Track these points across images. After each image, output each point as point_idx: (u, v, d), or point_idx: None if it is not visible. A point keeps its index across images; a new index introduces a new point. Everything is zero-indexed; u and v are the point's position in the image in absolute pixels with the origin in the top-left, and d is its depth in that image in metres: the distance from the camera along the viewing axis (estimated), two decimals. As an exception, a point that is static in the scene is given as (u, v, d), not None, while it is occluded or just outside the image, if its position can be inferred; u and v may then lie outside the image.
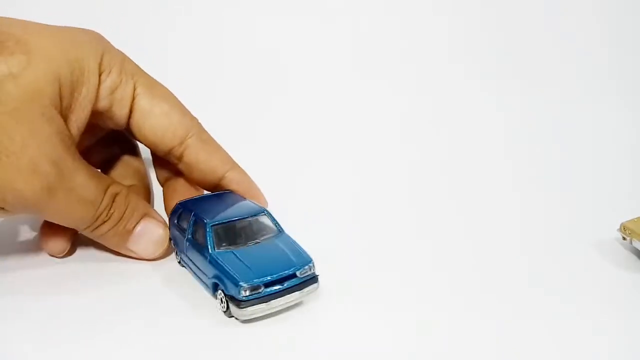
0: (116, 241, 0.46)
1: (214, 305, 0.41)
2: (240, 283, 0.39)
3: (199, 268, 0.43)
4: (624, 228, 0.48)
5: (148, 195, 0.52)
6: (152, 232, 0.46)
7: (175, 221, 0.46)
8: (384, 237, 0.51)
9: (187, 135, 0.47)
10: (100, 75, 0.44)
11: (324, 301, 0.42)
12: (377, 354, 0.37)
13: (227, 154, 0.49)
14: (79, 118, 0.43)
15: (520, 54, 0.76)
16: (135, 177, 0.52)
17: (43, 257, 0.47)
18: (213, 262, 0.41)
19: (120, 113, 0.45)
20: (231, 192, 0.48)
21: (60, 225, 0.44)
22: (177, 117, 0.46)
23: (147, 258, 0.47)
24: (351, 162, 0.64)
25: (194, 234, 0.43)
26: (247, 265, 0.40)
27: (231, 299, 0.39)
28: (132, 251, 0.46)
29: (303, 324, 0.40)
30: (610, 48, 0.76)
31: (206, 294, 0.42)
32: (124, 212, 0.45)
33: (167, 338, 0.39)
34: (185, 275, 0.45)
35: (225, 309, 0.40)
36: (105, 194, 0.44)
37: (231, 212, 0.44)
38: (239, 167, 0.49)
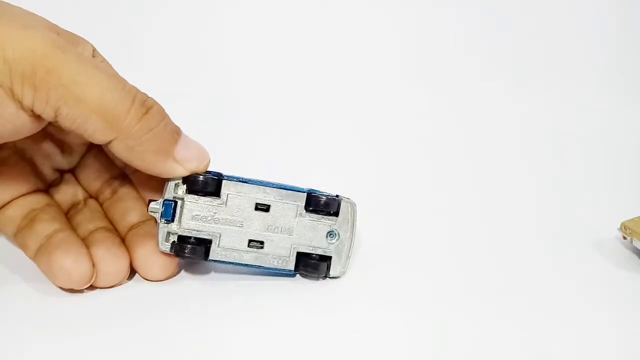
0: (166, 143, 0.38)
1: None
2: None
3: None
4: (624, 227, 0.48)
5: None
6: (195, 142, 0.40)
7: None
8: (390, 234, 0.51)
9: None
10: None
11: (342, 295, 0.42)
12: (394, 351, 0.37)
13: None
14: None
15: (526, 55, 0.75)
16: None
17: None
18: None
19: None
20: None
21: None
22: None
23: (194, 170, 0.40)
24: (364, 158, 0.64)
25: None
26: None
27: None
28: (177, 162, 0.39)
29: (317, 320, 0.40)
30: (610, 47, 0.76)
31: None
32: (161, 123, 0.38)
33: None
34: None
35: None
36: (134, 95, 0.37)
37: None
38: None
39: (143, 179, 0.44)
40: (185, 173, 0.40)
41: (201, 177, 0.40)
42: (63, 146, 0.45)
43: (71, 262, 0.39)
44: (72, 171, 0.46)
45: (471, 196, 0.58)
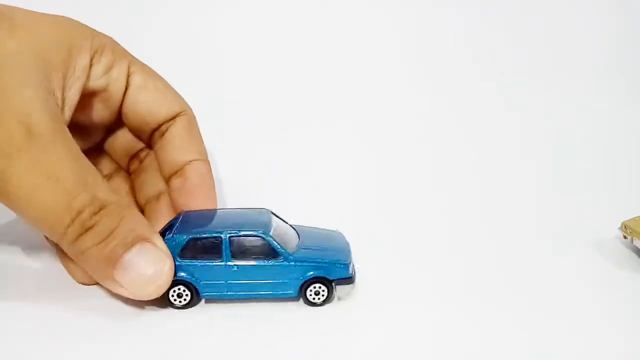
0: (101, 265, 0.37)
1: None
2: (347, 261, 0.41)
3: (266, 282, 0.41)
4: (624, 227, 0.48)
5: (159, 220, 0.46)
6: (149, 263, 0.38)
7: (189, 254, 0.40)
8: (391, 234, 0.51)
9: (181, 112, 0.46)
10: (92, 56, 0.42)
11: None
12: (404, 351, 0.37)
13: (204, 146, 0.47)
14: (69, 98, 0.40)
15: (526, 56, 0.75)
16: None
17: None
18: (300, 261, 0.41)
19: (115, 91, 0.44)
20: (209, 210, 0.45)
21: None
22: (172, 93, 0.46)
23: (136, 297, 0.38)
24: (367, 161, 0.64)
25: (238, 252, 0.40)
26: (329, 251, 0.42)
27: (330, 282, 0.41)
28: (118, 283, 0.37)
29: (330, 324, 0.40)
30: (610, 47, 0.76)
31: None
32: (115, 229, 0.37)
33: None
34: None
35: (324, 298, 0.41)
36: (90, 193, 0.36)
37: (260, 219, 0.42)
38: (209, 164, 0.47)
39: (162, 154, 0.46)
40: (134, 296, 0.38)
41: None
42: (80, 130, 0.45)
43: None
44: (101, 147, 0.49)
45: (471, 196, 0.58)
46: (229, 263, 0.40)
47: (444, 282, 0.44)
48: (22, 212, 0.37)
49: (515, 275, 0.45)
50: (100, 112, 0.45)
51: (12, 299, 0.42)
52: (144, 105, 0.45)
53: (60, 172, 0.36)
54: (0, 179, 0.35)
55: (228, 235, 0.40)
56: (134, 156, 0.49)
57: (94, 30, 0.44)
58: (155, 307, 0.41)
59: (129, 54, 0.45)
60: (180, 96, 0.47)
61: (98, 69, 0.43)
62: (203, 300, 0.42)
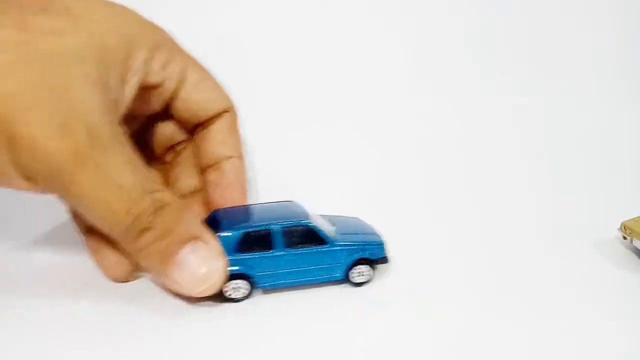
0: (157, 263, 0.39)
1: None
2: (382, 241, 0.45)
3: (315, 268, 0.43)
4: (624, 227, 0.48)
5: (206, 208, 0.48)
6: (201, 261, 0.39)
7: (243, 248, 0.42)
8: (391, 234, 0.50)
9: (229, 108, 0.48)
10: (151, 50, 0.42)
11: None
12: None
13: (242, 145, 0.49)
14: (126, 93, 0.40)
15: (526, 55, 0.75)
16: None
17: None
18: (344, 245, 0.44)
19: (169, 86, 0.44)
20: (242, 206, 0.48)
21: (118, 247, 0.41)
22: (222, 91, 0.48)
23: (191, 294, 0.40)
24: (366, 158, 0.64)
25: (289, 242, 0.43)
26: (364, 234, 0.45)
27: (372, 262, 0.44)
28: (174, 280, 0.39)
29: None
30: (610, 47, 0.76)
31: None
32: (172, 228, 0.38)
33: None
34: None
35: (368, 278, 0.44)
36: (150, 196, 0.38)
37: (298, 210, 0.45)
38: (244, 162, 0.49)
39: (203, 145, 0.48)
40: (190, 293, 0.40)
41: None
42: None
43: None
44: (138, 135, 0.49)
45: (471, 196, 0.58)
46: (281, 253, 0.43)
47: (444, 282, 0.44)
48: (84, 211, 0.38)
49: (514, 276, 0.45)
50: (148, 104, 0.45)
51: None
52: (197, 101, 0.46)
53: (121, 178, 0.37)
54: (65, 180, 0.36)
55: (279, 226, 0.43)
56: (171, 148, 0.50)
57: (152, 23, 0.44)
58: (210, 302, 0.41)
59: (183, 49, 0.46)
60: (228, 95, 0.48)
61: (156, 64, 0.43)
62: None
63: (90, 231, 0.43)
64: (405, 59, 0.76)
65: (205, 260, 0.39)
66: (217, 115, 0.47)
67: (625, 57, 0.76)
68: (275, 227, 0.42)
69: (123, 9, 0.42)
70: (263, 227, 0.42)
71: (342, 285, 0.44)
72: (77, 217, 0.44)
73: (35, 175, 0.36)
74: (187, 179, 0.49)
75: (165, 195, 0.39)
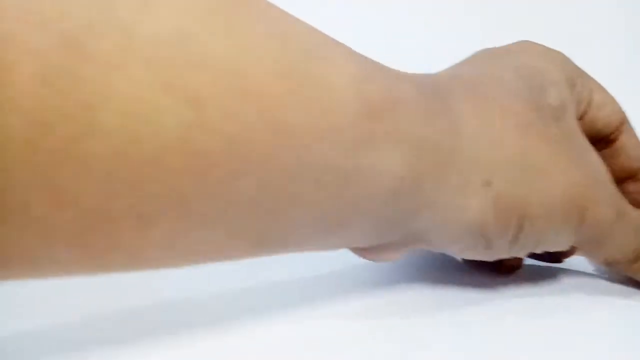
0: None
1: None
2: None
3: None
4: (624, 227, 0.48)
5: None
6: None
7: None
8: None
9: (625, 121, 0.47)
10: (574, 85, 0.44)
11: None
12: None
13: None
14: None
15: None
16: None
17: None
18: None
19: (578, 114, 0.45)
20: None
21: None
22: (618, 104, 0.47)
23: None
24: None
25: None
26: None
27: None
28: None
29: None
30: (610, 47, 0.76)
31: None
32: None
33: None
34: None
35: None
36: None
37: None
38: None
39: (613, 161, 0.47)
40: None
41: None
42: None
43: None
44: None
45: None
46: None
47: (442, 282, 0.44)
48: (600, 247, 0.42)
49: (514, 275, 0.45)
50: None
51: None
52: (602, 120, 0.46)
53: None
54: (603, 237, 0.41)
55: None
56: None
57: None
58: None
59: (580, 68, 0.46)
60: (620, 106, 0.48)
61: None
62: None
63: None
64: (406, 59, 0.76)
65: None
66: (617, 129, 0.46)
67: (625, 57, 0.76)
68: None
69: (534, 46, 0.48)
70: None
71: (342, 283, 0.43)
72: None
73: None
74: None
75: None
